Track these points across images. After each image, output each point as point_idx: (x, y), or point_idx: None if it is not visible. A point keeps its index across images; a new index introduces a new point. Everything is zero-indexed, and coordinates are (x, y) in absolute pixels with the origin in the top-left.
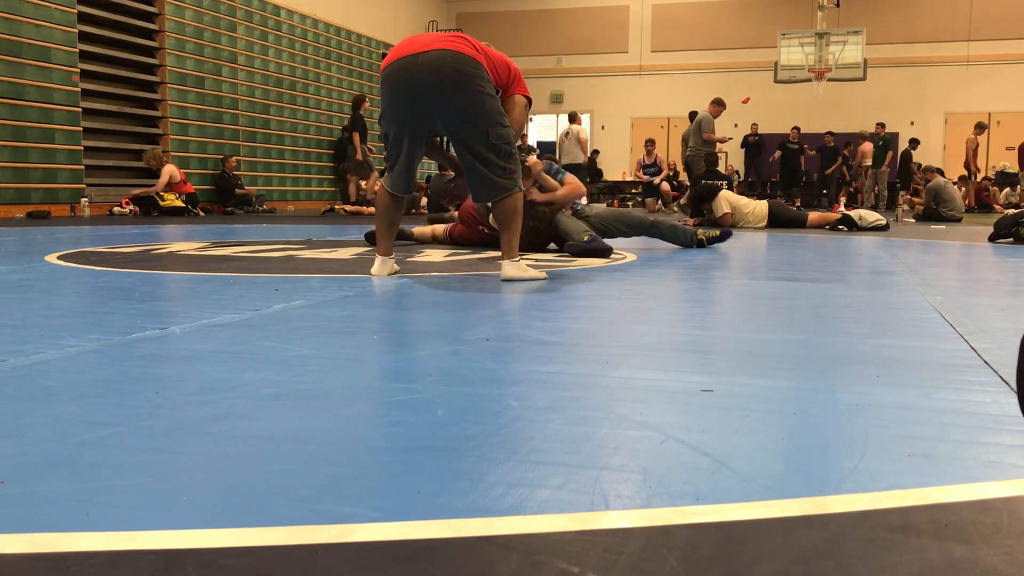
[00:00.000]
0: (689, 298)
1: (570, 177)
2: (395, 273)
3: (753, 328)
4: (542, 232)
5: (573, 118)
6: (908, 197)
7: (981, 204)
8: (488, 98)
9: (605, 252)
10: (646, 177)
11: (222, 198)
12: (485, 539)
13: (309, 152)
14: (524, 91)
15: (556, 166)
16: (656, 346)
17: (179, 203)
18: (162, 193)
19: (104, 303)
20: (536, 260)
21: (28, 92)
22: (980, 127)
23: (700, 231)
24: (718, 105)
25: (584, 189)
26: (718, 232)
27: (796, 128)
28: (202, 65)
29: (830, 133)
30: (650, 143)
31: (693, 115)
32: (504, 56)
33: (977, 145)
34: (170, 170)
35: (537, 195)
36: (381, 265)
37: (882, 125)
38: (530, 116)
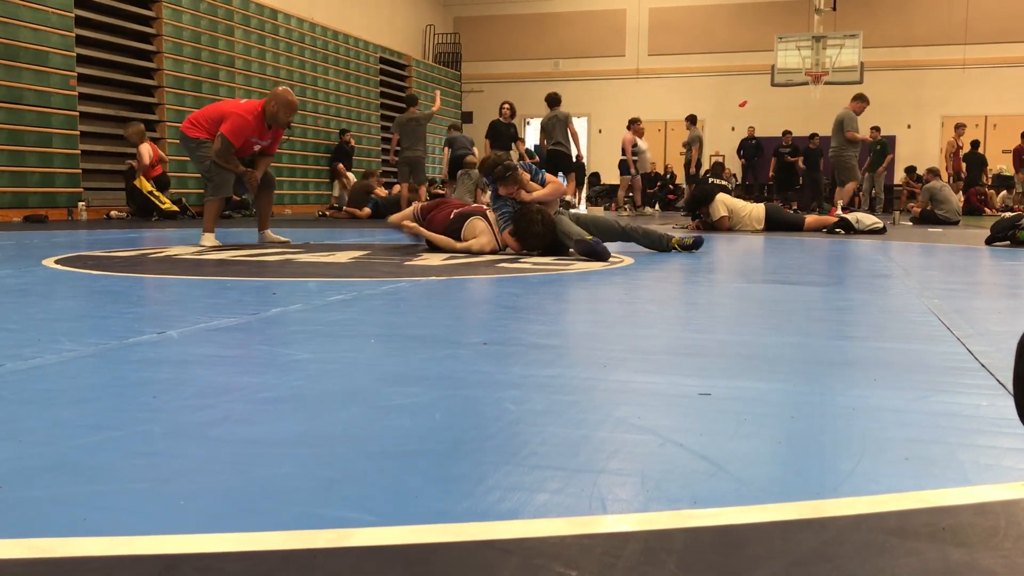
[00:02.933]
0: (687, 301)
1: (550, 177)
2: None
3: (751, 331)
4: (546, 235)
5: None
6: (910, 206)
7: (971, 208)
8: (196, 149)
9: (605, 255)
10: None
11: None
12: (483, 543)
13: (306, 156)
14: (223, 132)
15: (535, 168)
16: (654, 349)
17: (165, 203)
18: (139, 180)
19: (101, 307)
20: (536, 263)
21: (25, 96)
22: (959, 128)
23: (675, 238)
24: (862, 101)
25: (563, 186)
26: (691, 240)
27: (787, 132)
28: (199, 69)
29: (815, 135)
30: (639, 121)
31: (692, 118)
32: (222, 111)
33: (958, 147)
34: (146, 149)
35: (524, 195)
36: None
37: (877, 129)
38: (524, 120)
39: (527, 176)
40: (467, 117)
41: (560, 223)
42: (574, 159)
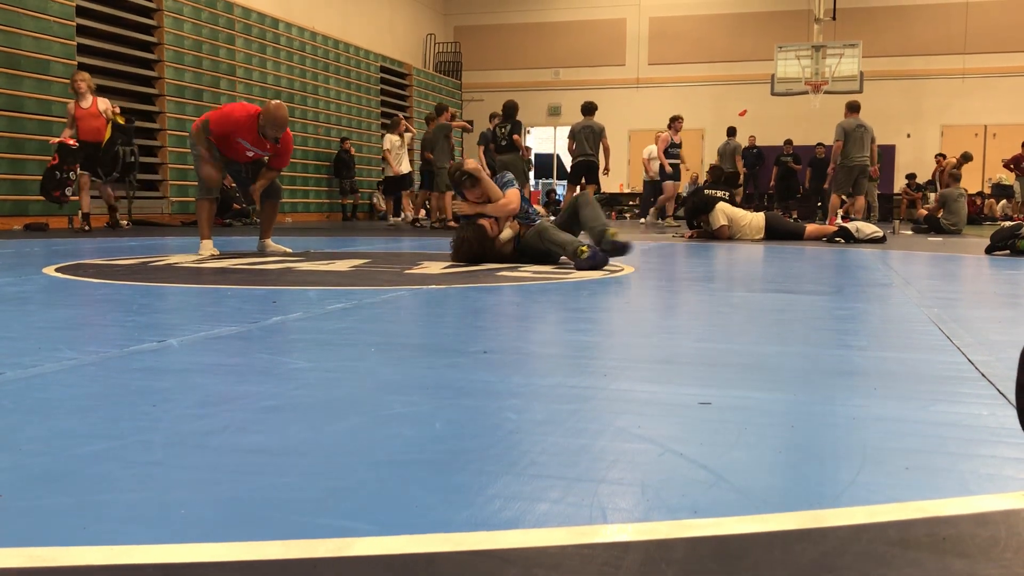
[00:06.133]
0: (687, 310)
1: (510, 192)
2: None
3: (751, 341)
4: (469, 251)
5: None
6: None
7: (971, 218)
8: (195, 147)
9: (602, 263)
10: (667, 165)
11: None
12: (483, 553)
13: (307, 164)
14: (207, 115)
15: (505, 179)
16: (654, 358)
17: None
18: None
19: (102, 315)
20: (535, 272)
21: (27, 104)
22: (966, 158)
23: (611, 230)
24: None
25: (506, 204)
26: (586, 248)
27: (789, 141)
28: (200, 78)
29: (820, 144)
30: (678, 119)
31: (731, 131)
32: (229, 114)
33: (943, 169)
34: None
35: (466, 208)
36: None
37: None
38: (525, 129)
39: (490, 183)
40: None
41: (548, 233)
42: (601, 172)
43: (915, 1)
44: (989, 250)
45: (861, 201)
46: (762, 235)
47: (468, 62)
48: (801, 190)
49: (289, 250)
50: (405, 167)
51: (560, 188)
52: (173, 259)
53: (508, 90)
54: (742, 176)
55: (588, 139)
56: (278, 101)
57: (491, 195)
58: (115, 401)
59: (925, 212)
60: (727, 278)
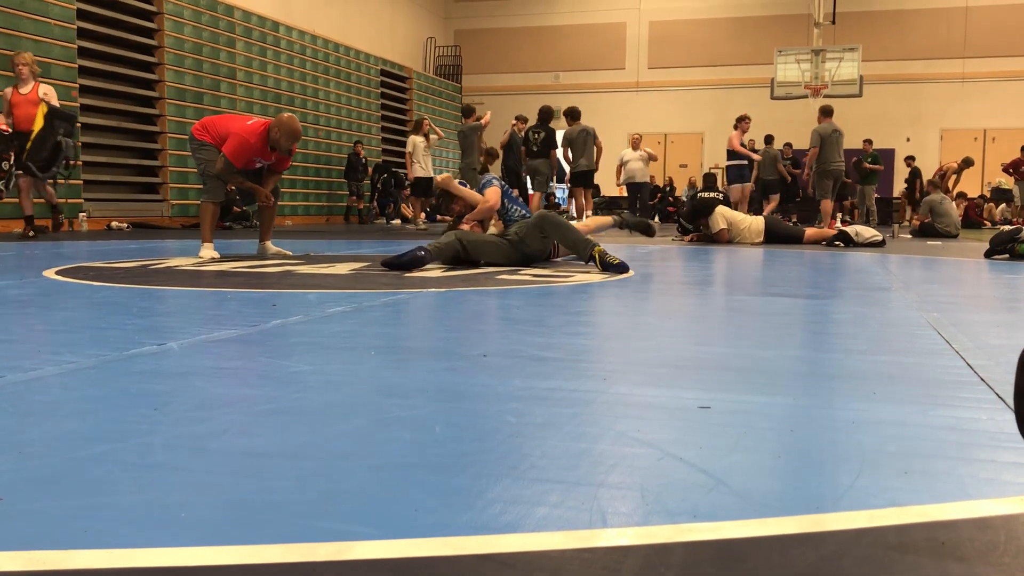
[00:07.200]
0: (687, 314)
1: (488, 191)
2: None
3: (750, 344)
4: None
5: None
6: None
7: (969, 222)
8: (197, 150)
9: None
10: (750, 153)
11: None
12: (483, 557)
13: (307, 167)
14: (224, 152)
15: (484, 180)
16: (654, 362)
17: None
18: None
19: (102, 318)
20: (536, 275)
21: None
22: (967, 163)
23: (598, 247)
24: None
25: (483, 204)
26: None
27: (788, 145)
28: (201, 80)
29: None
30: (746, 119)
31: (768, 139)
32: (229, 128)
33: (945, 173)
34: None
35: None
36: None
37: (869, 142)
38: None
39: (465, 191)
40: None
41: (562, 230)
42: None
43: (915, 5)
44: (988, 254)
45: (828, 204)
46: (761, 239)
47: (468, 66)
48: (800, 194)
49: (289, 253)
50: (428, 171)
51: (559, 191)
52: (173, 262)
53: (508, 94)
54: (789, 179)
55: (586, 142)
56: (290, 114)
57: (471, 202)
58: (115, 404)
59: (918, 223)
60: (727, 282)
